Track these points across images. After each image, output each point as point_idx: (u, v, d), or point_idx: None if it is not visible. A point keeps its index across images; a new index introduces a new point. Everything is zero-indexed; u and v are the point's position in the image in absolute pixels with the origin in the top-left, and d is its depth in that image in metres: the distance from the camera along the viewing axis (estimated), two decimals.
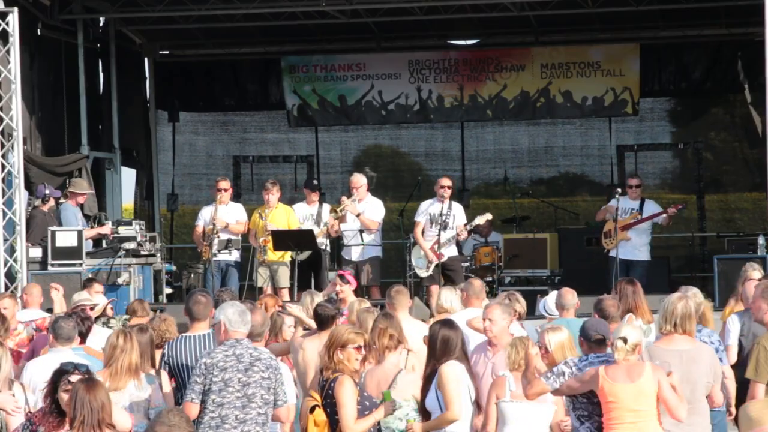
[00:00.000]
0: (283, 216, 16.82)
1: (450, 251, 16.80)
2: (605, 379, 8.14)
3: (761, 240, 16.65)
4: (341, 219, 17.03)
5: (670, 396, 8.10)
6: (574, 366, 8.49)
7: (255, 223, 16.95)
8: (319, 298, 11.78)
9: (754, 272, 11.57)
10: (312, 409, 8.65)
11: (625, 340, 8.17)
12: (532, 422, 8.67)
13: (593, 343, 8.59)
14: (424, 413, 8.75)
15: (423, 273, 16.72)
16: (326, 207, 17.67)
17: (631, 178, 17.66)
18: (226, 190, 17.06)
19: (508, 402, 8.63)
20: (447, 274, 16.49)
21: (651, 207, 17.28)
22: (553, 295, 12.02)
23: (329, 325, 10.04)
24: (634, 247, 16.98)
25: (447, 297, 11.80)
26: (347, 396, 8.43)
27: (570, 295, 11.44)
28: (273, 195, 16.81)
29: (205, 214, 17.17)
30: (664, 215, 17.11)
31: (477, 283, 12.04)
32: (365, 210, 16.99)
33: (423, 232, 16.84)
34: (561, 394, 8.43)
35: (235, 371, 8.21)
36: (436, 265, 16.58)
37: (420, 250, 16.81)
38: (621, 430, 8.11)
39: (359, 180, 17.13)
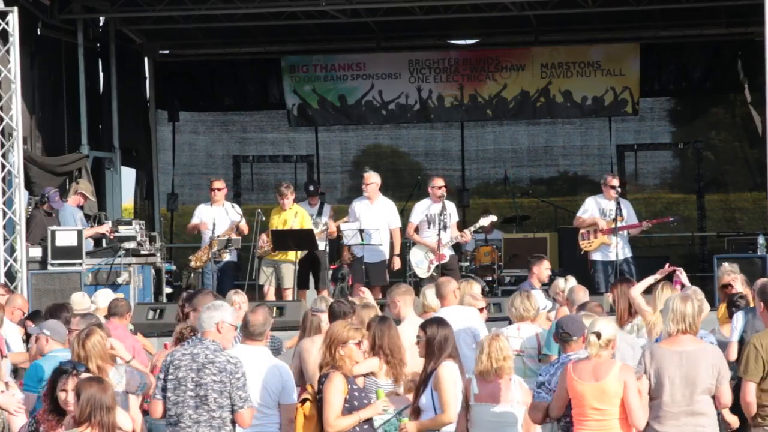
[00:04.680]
0: (298, 219, 16.84)
1: (449, 251, 16.79)
2: (571, 376, 8.18)
3: (761, 239, 16.62)
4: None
5: (634, 401, 8.11)
6: (546, 373, 8.53)
7: (273, 224, 16.91)
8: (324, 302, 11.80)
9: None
10: (302, 402, 8.67)
11: (598, 335, 8.19)
12: (500, 424, 8.65)
13: (562, 340, 8.62)
14: (416, 412, 8.75)
15: (423, 273, 16.67)
16: (327, 207, 17.70)
17: (613, 177, 16.90)
18: (219, 190, 17.08)
19: (473, 404, 8.63)
20: (445, 273, 16.46)
21: (628, 208, 16.87)
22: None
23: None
24: (619, 246, 16.64)
25: (432, 295, 11.76)
26: (333, 392, 8.44)
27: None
28: (287, 199, 16.83)
29: (201, 213, 17.16)
30: (640, 227, 16.84)
31: (442, 280, 11.99)
32: (379, 213, 16.91)
33: (418, 233, 16.76)
34: (559, 406, 8.42)
35: (188, 370, 8.23)
36: (437, 266, 16.55)
37: (419, 251, 16.75)
38: (586, 429, 8.15)
39: (370, 177, 17.01)
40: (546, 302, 11.86)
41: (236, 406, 8.22)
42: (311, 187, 18.20)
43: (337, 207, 20.86)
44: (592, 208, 16.72)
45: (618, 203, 16.52)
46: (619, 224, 16.43)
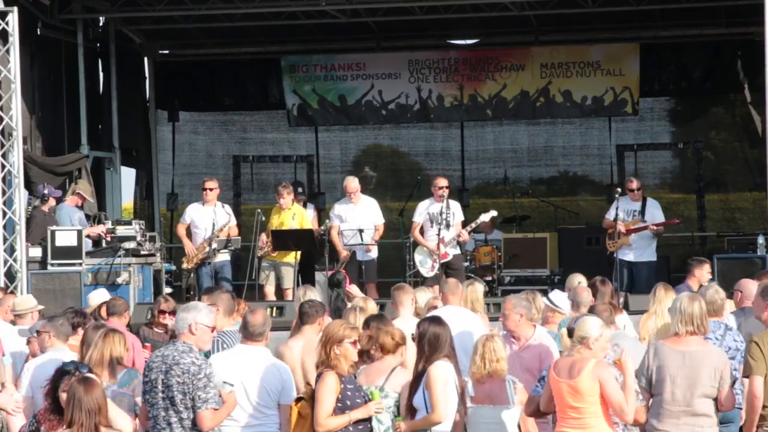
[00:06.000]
0: (297, 219, 16.84)
1: (453, 250, 16.80)
2: (552, 373, 8.20)
3: (761, 239, 16.63)
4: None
5: (614, 396, 8.12)
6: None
7: (272, 224, 16.95)
8: (313, 292, 11.82)
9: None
10: (297, 401, 8.67)
11: (570, 332, 8.20)
12: (497, 426, 8.65)
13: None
14: (411, 411, 8.75)
15: (427, 273, 16.70)
16: (310, 208, 17.76)
17: (630, 182, 17.27)
18: (211, 189, 17.07)
19: (470, 407, 8.62)
20: (449, 273, 16.49)
21: (653, 209, 17.08)
22: (556, 292, 11.99)
23: (312, 321, 10.10)
24: (638, 248, 16.86)
25: (421, 298, 11.73)
26: (324, 392, 8.44)
27: (585, 293, 11.43)
28: (284, 199, 16.86)
29: (192, 213, 17.16)
30: (647, 229, 16.90)
31: (452, 281, 12.01)
32: (364, 213, 16.98)
33: (423, 233, 16.83)
34: (546, 401, 8.44)
35: (158, 372, 8.25)
36: (441, 265, 16.57)
37: (423, 251, 16.79)
38: (566, 425, 8.19)
39: (354, 184, 17.10)
40: (567, 302, 11.80)
41: (196, 406, 8.20)
42: (300, 189, 18.24)
43: None
44: (615, 209, 16.96)
45: (644, 205, 16.89)
46: (637, 225, 16.72)
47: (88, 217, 18.19)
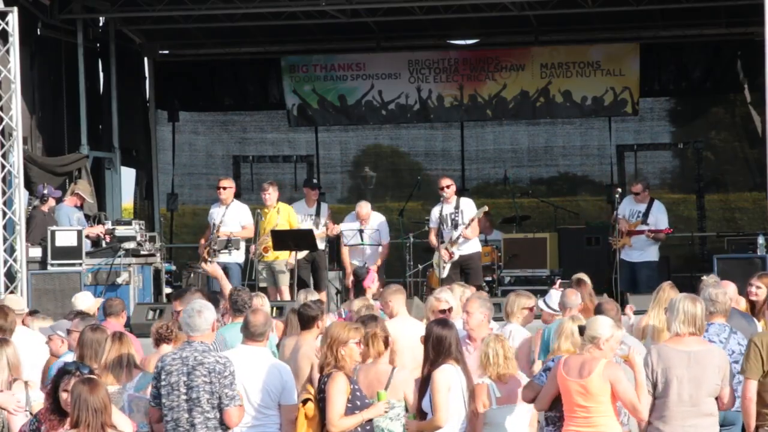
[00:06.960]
0: (282, 215, 16.81)
1: (466, 249, 16.71)
2: (560, 371, 8.20)
3: (761, 239, 16.62)
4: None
5: (627, 395, 8.12)
6: (554, 362, 8.55)
7: (261, 224, 16.95)
8: (313, 296, 11.81)
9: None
10: (304, 402, 8.67)
11: (581, 330, 8.21)
12: (518, 422, 8.68)
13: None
14: (421, 413, 8.75)
15: (442, 274, 16.70)
16: (324, 207, 17.69)
17: (634, 185, 17.36)
18: (225, 188, 17.04)
19: (496, 408, 8.62)
20: (466, 272, 16.50)
21: (657, 212, 17.09)
22: (551, 293, 11.97)
23: (311, 325, 10.08)
24: (641, 249, 16.93)
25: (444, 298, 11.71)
26: (336, 392, 8.46)
27: (574, 296, 11.43)
28: (267, 195, 16.82)
29: (211, 213, 17.17)
30: (648, 234, 16.96)
31: (473, 292, 11.97)
32: (374, 231, 17.03)
33: (442, 235, 16.77)
34: (546, 400, 8.44)
35: (179, 374, 8.26)
36: (453, 265, 16.54)
37: (437, 254, 16.79)
38: (574, 424, 8.20)
39: (366, 209, 17.13)
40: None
41: (223, 404, 8.24)
42: (315, 180, 18.25)
43: (337, 207, 20.88)
44: (622, 209, 17.13)
45: (649, 207, 17.03)
46: (637, 228, 16.85)
47: (87, 217, 18.19)
